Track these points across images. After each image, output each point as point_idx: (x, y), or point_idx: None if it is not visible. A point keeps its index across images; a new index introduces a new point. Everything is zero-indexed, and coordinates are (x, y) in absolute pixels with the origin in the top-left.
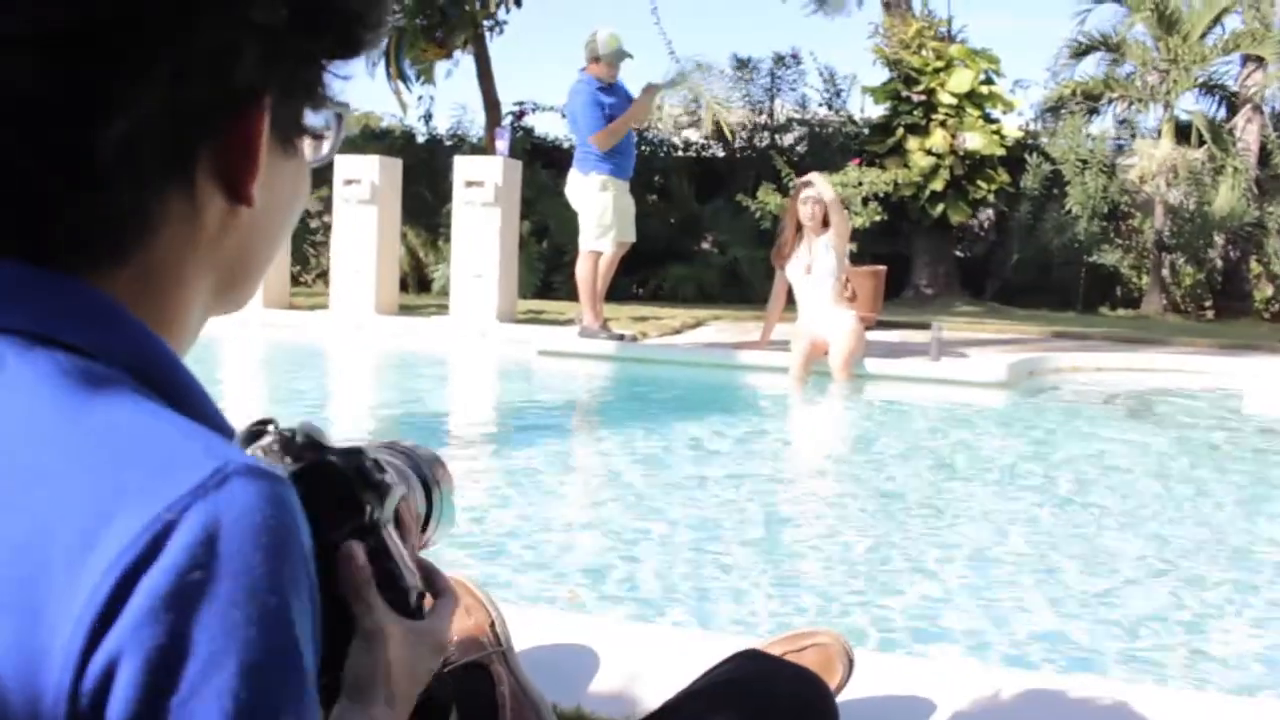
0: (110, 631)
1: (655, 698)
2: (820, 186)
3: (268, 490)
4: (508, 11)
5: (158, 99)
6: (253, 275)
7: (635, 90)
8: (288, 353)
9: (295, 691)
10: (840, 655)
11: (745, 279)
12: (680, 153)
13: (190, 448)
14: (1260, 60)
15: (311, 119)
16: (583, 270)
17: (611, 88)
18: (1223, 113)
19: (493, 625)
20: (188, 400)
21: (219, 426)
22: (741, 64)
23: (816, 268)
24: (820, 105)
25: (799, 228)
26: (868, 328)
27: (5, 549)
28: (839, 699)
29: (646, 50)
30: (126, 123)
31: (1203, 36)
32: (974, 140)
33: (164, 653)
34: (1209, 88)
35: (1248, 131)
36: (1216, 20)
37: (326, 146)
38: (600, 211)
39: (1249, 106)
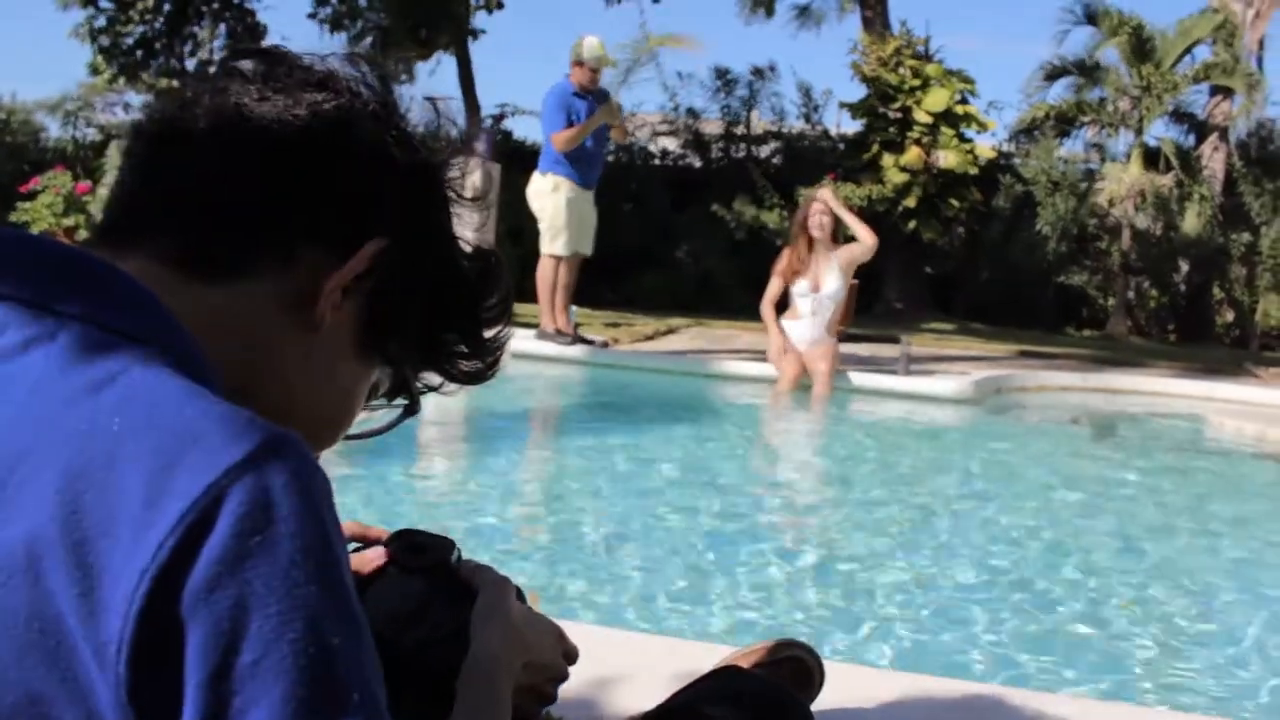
0: (177, 591)
1: (623, 703)
2: (835, 205)
3: (309, 457)
4: (489, 13)
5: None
6: (300, 413)
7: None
8: None
9: (356, 636)
10: (810, 668)
11: (718, 288)
12: (656, 161)
13: (237, 419)
14: (1229, 91)
15: (393, 376)
16: (540, 273)
17: (589, 94)
18: (1190, 140)
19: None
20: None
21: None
22: (720, 75)
23: (825, 286)
24: (797, 119)
25: (810, 242)
26: (838, 340)
27: (62, 507)
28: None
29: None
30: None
31: (1174, 65)
32: (948, 159)
33: (234, 614)
34: (1178, 115)
35: (1214, 159)
36: (1188, 50)
37: (393, 383)
38: (553, 213)
39: (1216, 135)
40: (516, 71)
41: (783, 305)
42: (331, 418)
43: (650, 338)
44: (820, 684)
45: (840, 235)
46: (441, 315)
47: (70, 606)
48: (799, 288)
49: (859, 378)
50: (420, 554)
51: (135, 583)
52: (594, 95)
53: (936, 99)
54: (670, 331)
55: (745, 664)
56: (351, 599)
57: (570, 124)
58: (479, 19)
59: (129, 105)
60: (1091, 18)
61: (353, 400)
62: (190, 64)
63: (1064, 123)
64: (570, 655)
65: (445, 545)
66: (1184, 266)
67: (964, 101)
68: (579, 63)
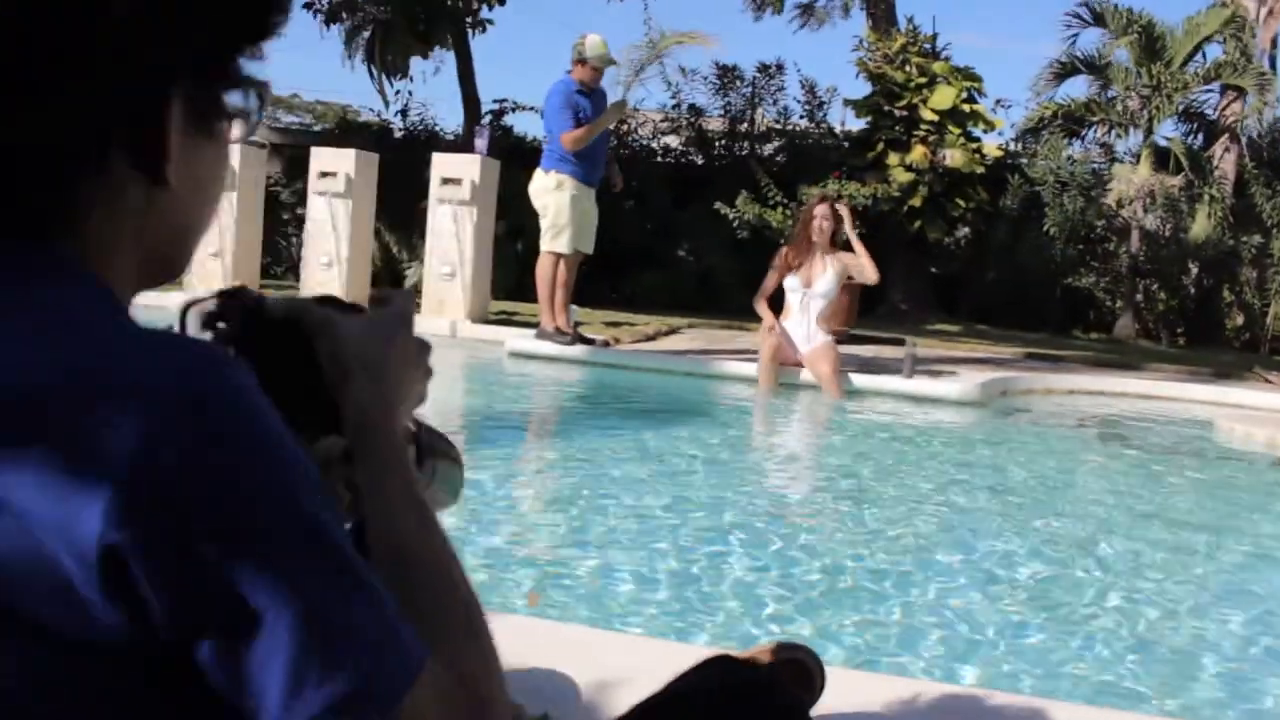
0: (147, 498)
1: (620, 705)
2: (849, 227)
3: (233, 369)
4: (490, 10)
5: (69, 100)
6: (181, 251)
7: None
8: None
9: (316, 489)
10: (811, 670)
11: (720, 287)
12: (659, 159)
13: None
14: (1240, 90)
15: (232, 99)
16: (540, 270)
17: (591, 93)
18: (1200, 140)
19: None
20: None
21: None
22: (724, 72)
23: (816, 284)
24: (801, 117)
25: (809, 241)
26: (840, 341)
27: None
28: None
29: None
30: (42, 123)
31: (1184, 64)
32: (954, 158)
33: (214, 502)
34: (1188, 115)
35: (1225, 160)
36: (1198, 49)
37: (250, 123)
38: (556, 211)
39: (1227, 136)
40: (516, 67)
41: (779, 306)
42: (213, 201)
43: (651, 337)
44: (821, 687)
45: (839, 242)
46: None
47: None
48: (791, 282)
49: (863, 379)
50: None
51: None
52: (595, 93)
53: (943, 97)
54: (672, 331)
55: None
56: (303, 460)
57: (579, 122)
58: (482, 13)
59: None
60: (1099, 18)
61: (222, 169)
62: None
63: (1072, 122)
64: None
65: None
66: (1193, 269)
67: (971, 100)
68: (582, 61)
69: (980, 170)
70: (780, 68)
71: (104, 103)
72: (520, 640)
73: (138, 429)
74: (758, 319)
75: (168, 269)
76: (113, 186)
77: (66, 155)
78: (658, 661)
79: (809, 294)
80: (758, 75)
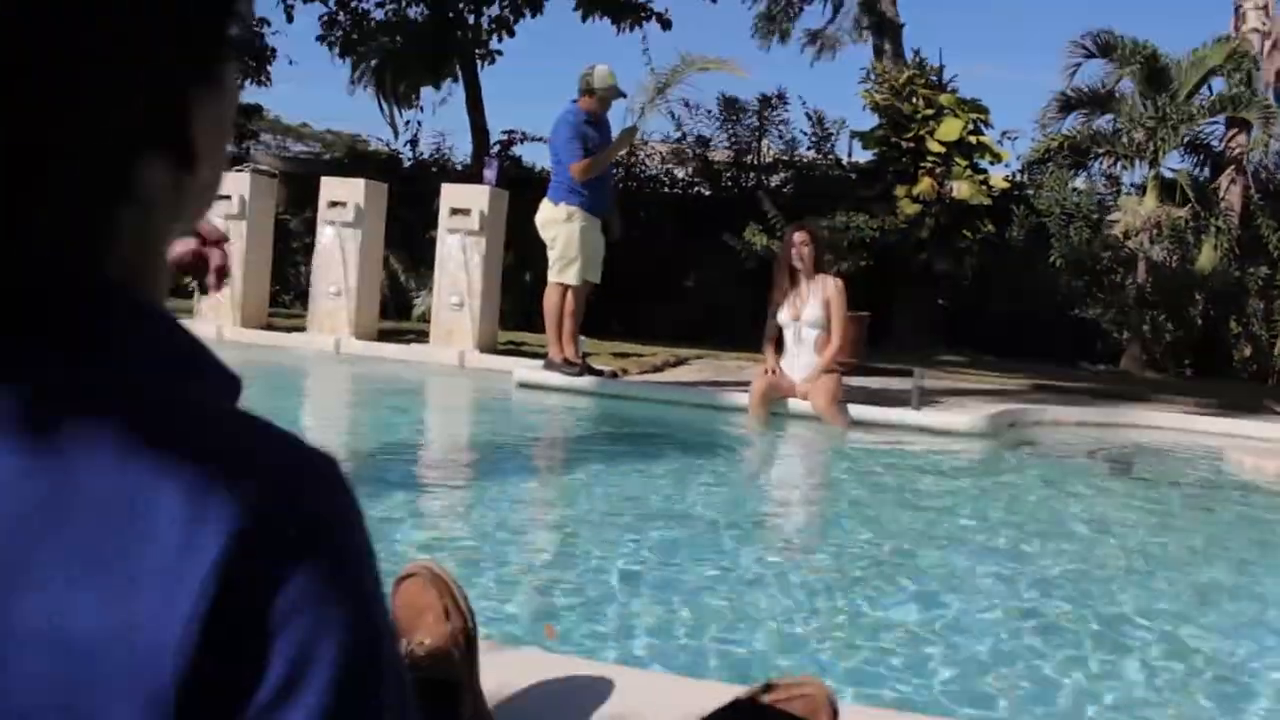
0: (233, 611)
1: None
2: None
3: (339, 473)
4: (500, 41)
5: (98, 99)
6: (204, 210)
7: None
8: (258, 374)
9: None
10: (825, 706)
11: (728, 318)
12: (666, 189)
13: (272, 437)
14: (1245, 123)
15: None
16: (548, 302)
17: (598, 123)
18: (1206, 173)
19: (465, 634)
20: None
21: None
22: (729, 103)
23: (805, 313)
24: (809, 148)
25: (793, 273)
26: (848, 373)
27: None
28: None
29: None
30: (64, 154)
31: (1189, 96)
32: (961, 189)
33: (303, 640)
34: (1194, 147)
35: (1231, 192)
36: (1203, 81)
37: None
38: (565, 243)
39: (1232, 168)
40: (525, 97)
41: (781, 345)
42: (227, 147)
43: (659, 368)
44: None
45: (822, 265)
46: None
47: None
48: (782, 317)
49: (871, 411)
50: None
51: (188, 607)
52: (602, 123)
53: (949, 129)
54: (680, 362)
55: (756, 701)
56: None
57: (588, 152)
58: (491, 44)
59: None
60: (1104, 49)
61: (233, 110)
62: None
63: (1078, 154)
64: None
65: None
66: (1200, 300)
67: (977, 131)
68: (590, 92)
69: (986, 202)
70: (782, 97)
71: (134, 94)
72: (533, 674)
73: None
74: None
75: (190, 225)
76: (144, 193)
77: (97, 184)
78: (668, 696)
79: (799, 325)
80: (761, 106)
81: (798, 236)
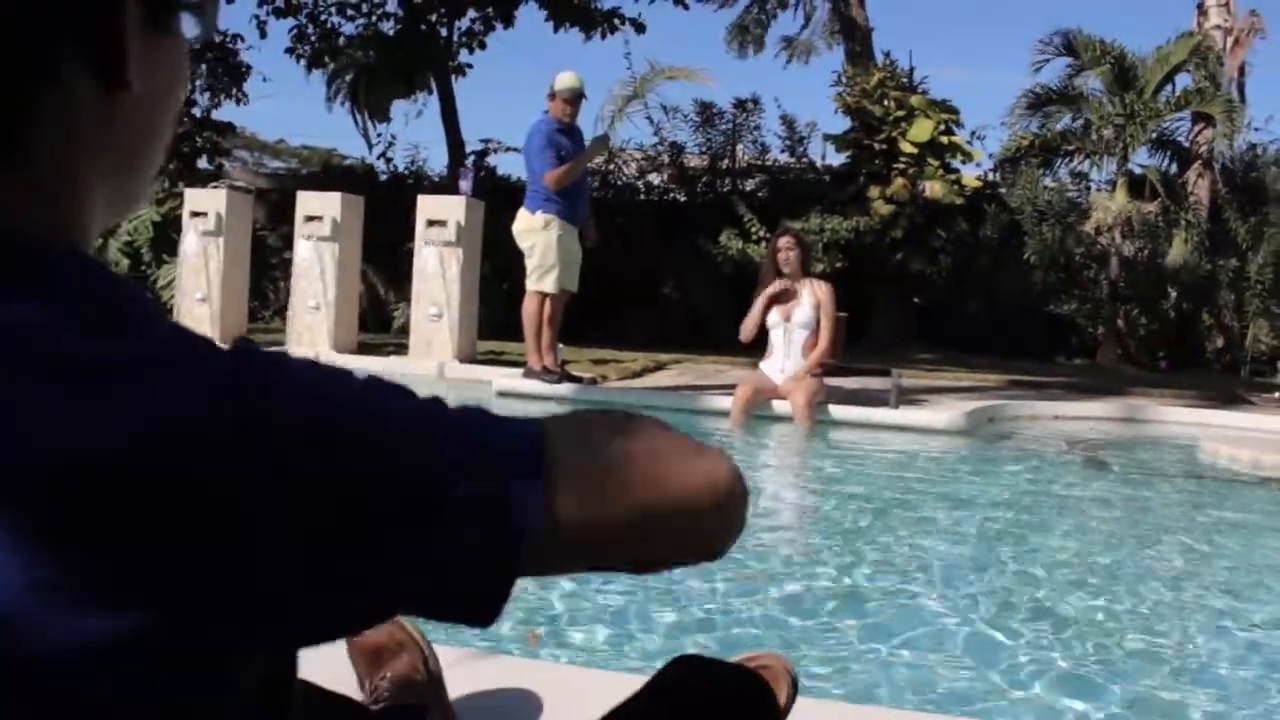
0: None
1: None
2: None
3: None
4: (471, 53)
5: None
6: (143, 170)
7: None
8: None
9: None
10: (784, 676)
11: (706, 322)
12: (642, 196)
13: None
14: (1209, 118)
15: None
16: (526, 310)
17: (570, 130)
18: (1174, 168)
19: (425, 662)
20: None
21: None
22: (704, 108)
23: (796, 315)
24: (782, 152)
25: (779, 275)
26: (826, 373)
27: None
28: None
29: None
30: None
31: (1156, 92)
32: (933, 189)
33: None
34: (1162, 143)
35: (1199, 186)
36: (1169, 77)
37: (205, 19)
38: (543, 251)
39: (1200, 162)
40: (501, 106)
41: (763, 348)
42: (175, 105)
43: (638, 374)
44: (793, 696)
45: (810, 267)
46: None
47: None
48: (772, 318)
49: (850, 411)
50: None
51: None
52: (574, 130)
53: (921, 130)
54: (659, 367)
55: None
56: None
57: (561, 160)
58: (462, 56)
59: None
60: (1070, 48)
61: (183, 69)
62: None
63: (1048, 152)
64: None
65: None
66: (1173, 293)
67: (949, 132)
68: (553, 95)
69: (959, 201)
70: (757, 102)
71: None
72: (516, 681)
73: None
74: (745, 353)
75: (128, 196)
76: (66, 97)
77: (12, 65)
78: None
79: (789, 327)
80: (735, 111)
81: (783, 241)
